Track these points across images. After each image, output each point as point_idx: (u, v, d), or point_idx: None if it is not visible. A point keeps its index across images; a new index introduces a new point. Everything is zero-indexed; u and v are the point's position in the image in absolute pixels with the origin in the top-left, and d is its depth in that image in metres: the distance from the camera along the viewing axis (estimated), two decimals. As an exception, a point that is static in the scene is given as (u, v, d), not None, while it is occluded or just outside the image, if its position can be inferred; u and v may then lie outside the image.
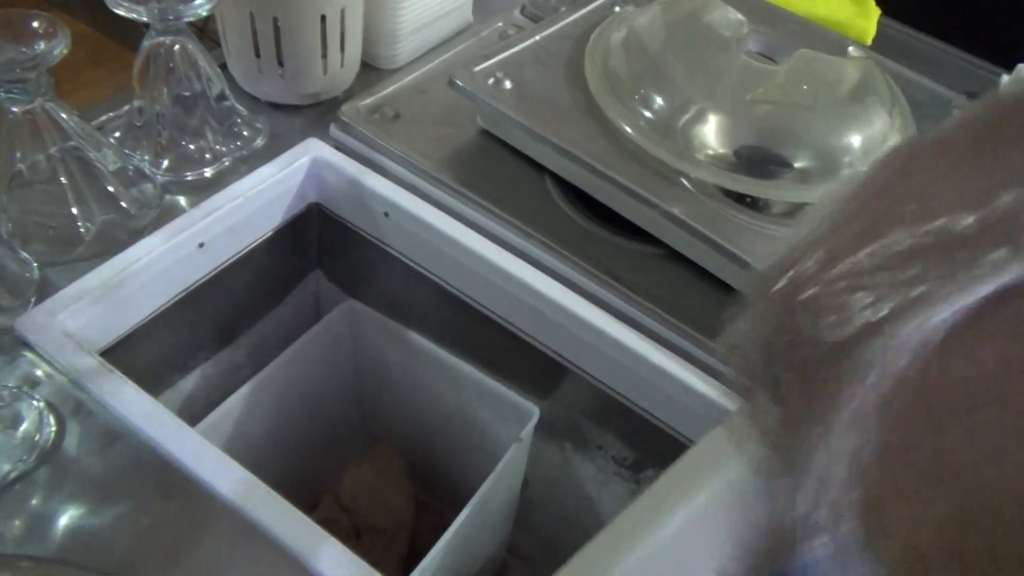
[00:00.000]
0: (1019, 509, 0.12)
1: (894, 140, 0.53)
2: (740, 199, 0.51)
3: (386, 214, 0.53)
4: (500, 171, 0.55)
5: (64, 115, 0.44)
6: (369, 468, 0.59)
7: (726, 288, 0.49)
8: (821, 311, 0.13)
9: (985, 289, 0.12)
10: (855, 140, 0.51)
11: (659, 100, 0.52)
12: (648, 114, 0.52)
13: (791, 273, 0.14)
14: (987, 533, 0.12)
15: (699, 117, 0.51)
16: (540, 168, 0.55)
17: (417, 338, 0.57)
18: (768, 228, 0.49)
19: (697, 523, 0.15)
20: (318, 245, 0.60)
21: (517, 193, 0.53)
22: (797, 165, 0.51)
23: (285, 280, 0.60)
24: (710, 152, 0.51)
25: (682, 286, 0.50)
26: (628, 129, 0.52)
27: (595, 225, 0.52)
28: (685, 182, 0.50)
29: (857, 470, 0.12)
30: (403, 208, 0.52)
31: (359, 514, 0.59)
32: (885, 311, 0.12)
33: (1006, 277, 0.12)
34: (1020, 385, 0.12)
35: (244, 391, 0.55)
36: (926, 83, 0.65)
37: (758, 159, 0.51)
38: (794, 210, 0.52)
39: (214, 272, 0.51)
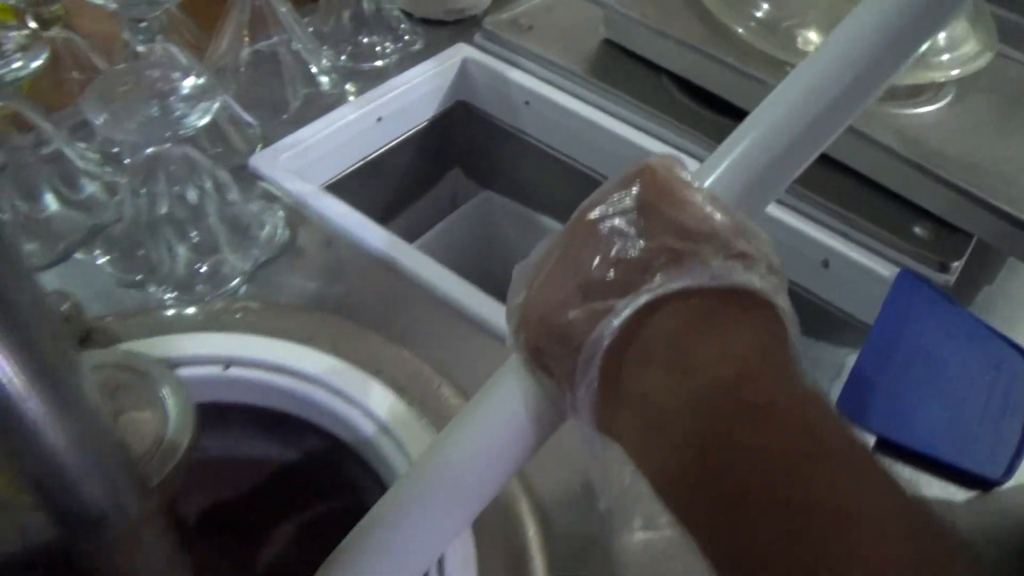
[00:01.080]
0: (686, 421, 0.21)
1: (972, 42, 0.60)
2: (839, 86, 0.58)
3: (527, 103, 0.62)
4: (623, 73, 0.63)
5: (283, 8, 0.55)
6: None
7: (826, 159, 0.57)
8: (556, 329, 0.23)
9: (643, 300, 0.22)
10: (939, 37, 0.58)
11: (766, 6, 0.60)
12: (758, 15, 0.60)
13: (522, 315, 0.25)
14: (654, 429, 0.22)
15: (803, 19, 0.59)
16: (658, 71, 0.63)
17: (548, 220, 0.65)
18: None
19: (512, 395, 0.27)
20: (461, 144, 0.69)
21: (641, 91, 0.61)
22: (890, 56, 0.58)
23: (431, 172, 0.69)
24: (813, 48, 0.58)
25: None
26: (740, 30, 0.60)
27: (713, 113, 0.60)
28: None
29: (589, 396, 0.23)
30: (543, 95, 0.60)
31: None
32: (592, 323, 0.22)
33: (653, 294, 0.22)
34: (681, 340, 0.22)
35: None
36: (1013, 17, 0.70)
37: (855, 52, 0.58)
38: (890, 94, 0.59)
39: (386, 147, 0.61)
